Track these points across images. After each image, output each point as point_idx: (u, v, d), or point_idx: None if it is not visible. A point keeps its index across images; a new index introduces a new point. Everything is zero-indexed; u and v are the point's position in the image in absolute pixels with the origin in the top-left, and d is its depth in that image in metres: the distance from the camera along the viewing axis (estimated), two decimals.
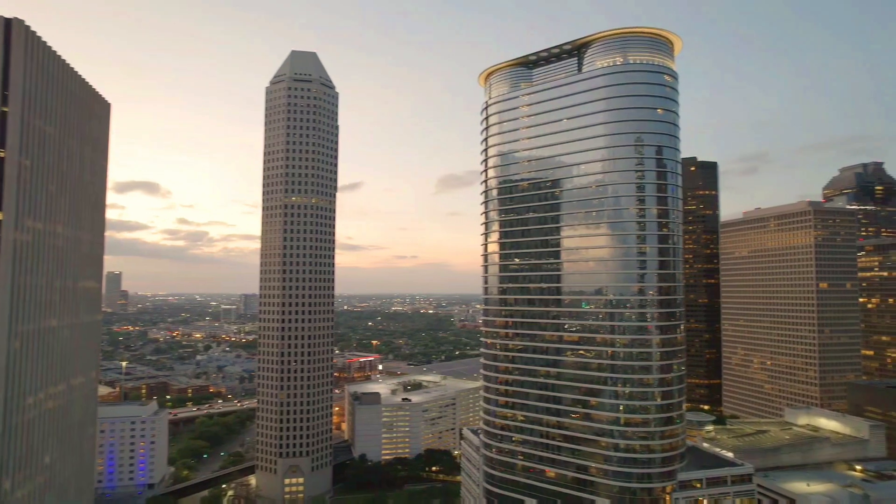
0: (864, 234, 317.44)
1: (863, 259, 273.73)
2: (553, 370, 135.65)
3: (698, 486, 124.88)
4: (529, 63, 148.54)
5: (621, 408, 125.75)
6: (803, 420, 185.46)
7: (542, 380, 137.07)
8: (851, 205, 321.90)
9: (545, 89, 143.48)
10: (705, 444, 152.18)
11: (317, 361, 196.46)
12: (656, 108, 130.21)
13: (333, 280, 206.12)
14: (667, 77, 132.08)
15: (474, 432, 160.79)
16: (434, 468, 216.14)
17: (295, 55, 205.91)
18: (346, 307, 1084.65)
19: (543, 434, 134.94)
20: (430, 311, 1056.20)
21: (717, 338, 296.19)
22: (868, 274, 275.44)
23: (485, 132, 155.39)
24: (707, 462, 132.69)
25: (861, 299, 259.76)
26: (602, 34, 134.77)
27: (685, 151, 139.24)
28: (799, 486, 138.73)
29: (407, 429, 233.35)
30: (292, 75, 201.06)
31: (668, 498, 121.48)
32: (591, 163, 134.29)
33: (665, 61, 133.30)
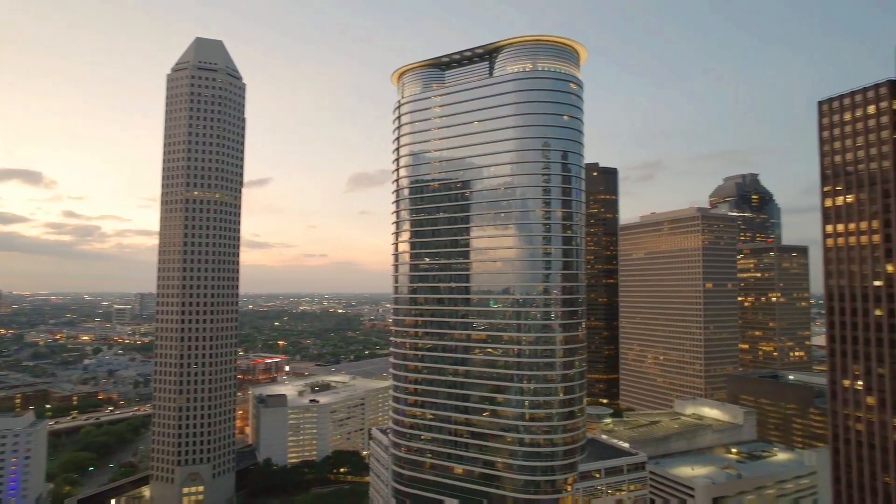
0: (742, 238, 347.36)
1: (741, 261, 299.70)
2: (461, 368, 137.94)
3: (597, 476, 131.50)
4: (442, 64, 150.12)
5: (526, 403, 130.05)
6: (690, 410, 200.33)
7: (450, 378, 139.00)
8: (733, 212, 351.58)
9: (457, 91, 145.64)
10: (604, 436, 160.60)
11: (219, 364, 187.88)
12: (562, 115, 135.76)
13: (238, 279, 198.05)
14: (573, 85, 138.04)
15: (383, 432, 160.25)
16: (342, 469, 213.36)
17: (200, 42, 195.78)
18: (251, 307, 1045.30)
19: (452, 432, 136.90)
20: (340, 311, 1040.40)
21: (616, 335, 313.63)
22: (745, 275, 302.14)
23: (397, 131, 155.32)
24: (605, 453, 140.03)
25: (739, 298, 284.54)
26: (512, 40, 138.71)
27: (588, 157, 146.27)
28: (685, 471, 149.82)
29: (314, 431, 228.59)
30: (196, 63, 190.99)
31: (569, 489, 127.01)
32: (500, 165, 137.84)
33: (571, 70, 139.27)
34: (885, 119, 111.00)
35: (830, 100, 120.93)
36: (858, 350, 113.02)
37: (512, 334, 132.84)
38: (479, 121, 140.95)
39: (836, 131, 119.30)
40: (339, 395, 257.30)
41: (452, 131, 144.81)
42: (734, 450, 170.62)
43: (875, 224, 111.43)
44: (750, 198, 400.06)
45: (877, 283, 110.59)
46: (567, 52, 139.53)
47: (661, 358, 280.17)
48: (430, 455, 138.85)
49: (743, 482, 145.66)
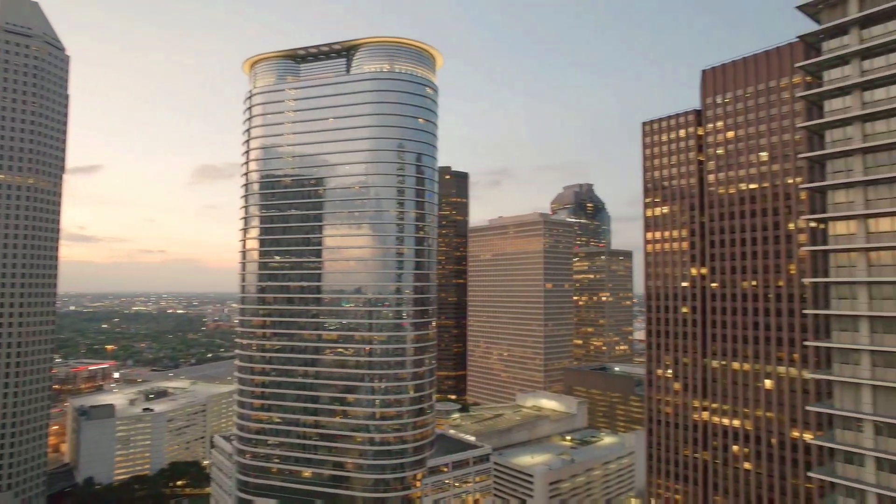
0: (578, 242, 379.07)
1: (577, 264, 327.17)
2: (311, 369, 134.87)
3: (445, 470, 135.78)
4: (298, 57, 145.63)
5: (377, 402, 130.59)
6: (531, 402, 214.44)
7: (300, 379, 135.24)
8: (571, 218, 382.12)
9: (313, 86, 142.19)
10: (452, 431, 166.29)
11: (29, 373, 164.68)
12: (418, 118, 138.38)
13: (56, 276, 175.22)
14: (428, 89, 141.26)
15: (227, 439, 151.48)
16: (180, 482, 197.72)
17: (8, 2, 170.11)
18: (73, 307, 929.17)
19: (300, 435, 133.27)
20: (180, 311, 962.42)
21: (464, 333, 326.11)
22: (580, 276, 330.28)
23: (248, 123, 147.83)
24: (453, 447, 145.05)
25: (575, 297, 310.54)
26: (370, 39, 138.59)
27: (441, 161, 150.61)
28: (525, 460, 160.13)
29: (148, 442, 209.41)
30: (4, 26, 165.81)
31: (418, 484, 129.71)
32: (354, 164, 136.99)
33: (428, 74, 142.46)
34: (691, 142, 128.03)
35: (651, 122, 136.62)
36: (669, 343, 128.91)
37: (364, 333, 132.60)
38: (334, 118, 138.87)
39: (656, 150, 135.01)
40: (177, 401, 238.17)
41: (307, 126, 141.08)
42: (568, 437, 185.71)
43: (684, 233, 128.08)
44: (586, 206, 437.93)
45: (684, 284, 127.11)
46: (424, 57, 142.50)
47: (506, 354, 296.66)
48: (277, 460, 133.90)
49: (575, 466, 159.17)
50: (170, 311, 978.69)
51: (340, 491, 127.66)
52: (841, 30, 60.78)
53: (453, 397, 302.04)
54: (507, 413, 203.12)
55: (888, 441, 56.46)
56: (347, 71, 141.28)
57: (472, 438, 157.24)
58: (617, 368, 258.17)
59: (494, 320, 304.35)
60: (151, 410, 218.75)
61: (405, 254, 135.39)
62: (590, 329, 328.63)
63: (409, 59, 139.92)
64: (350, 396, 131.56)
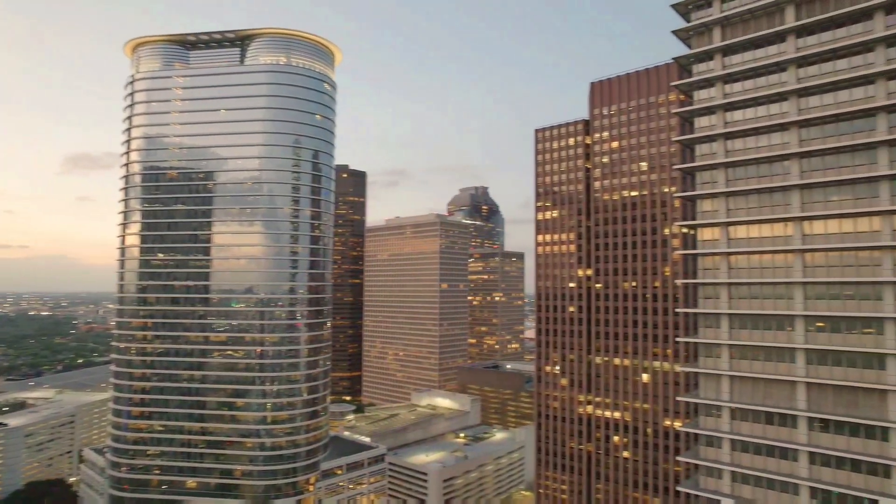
0: (473, 244, 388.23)
1: (471, 264, 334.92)
2: (198, 373, 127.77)
3: (339, 472, 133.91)
4: (188, 43, 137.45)
5: (269, 406, 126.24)
6: (426, 401, 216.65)
7: (185, 384, 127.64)
8: (466, 220, 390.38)
9: (203, 74, 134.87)
10: (346, 433, 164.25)
11: None
12: (315, 114, 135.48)
13: None
14: (327, 86, 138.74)
15: (99, 452, 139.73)
16: None
17: None
18: None
19: (185, 443, 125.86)
20: (45, 313, 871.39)
21: (360, 333, 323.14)
22: (474, 277, 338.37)
23: (129, 110, 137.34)
24: (347, 449, 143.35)
25: (469, 297, 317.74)
26: (267, 30, 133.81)
27: (339, 159, 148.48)
28: (420, 458, 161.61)
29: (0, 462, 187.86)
30: None
31: (311, 488, 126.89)
32: (248, 158, 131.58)
33: (326, 70, 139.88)
34: (580, 150, 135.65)
35: (544, 129, 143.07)
36: (557, 341, 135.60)
37: (255, 335, 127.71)
38: (226, 109, 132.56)
39: (548, 156, 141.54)
40: (38, 414, 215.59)
41: (196, 117, 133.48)
42: (462, 435, 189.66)
43: (571, 236, 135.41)
44: (481, 208, 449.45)
45: (571, 284, 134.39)
46: (322, 53, 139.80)
47: (401, 354, 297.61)
48: (157, 472, 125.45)
49: (468, 463, 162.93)
50: (32, 312, 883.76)
51: (229, 500, 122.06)
52: (707, 56, 67.31)
53: (348, 398, 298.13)
54: (402, 413, 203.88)
55: (741, 424, 63.26)
56: (241, 61, 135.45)
57: (366, 439, 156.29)
58: (508, 366, 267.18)
59: (390, 320, 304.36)
60: (5, 425, 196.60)
61: (300, 252, 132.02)
62: (483, 328, 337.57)
63: (307, 53, 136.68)
64: (240, 401, 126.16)
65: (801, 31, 61.09)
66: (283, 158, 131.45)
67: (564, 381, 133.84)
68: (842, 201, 58.67)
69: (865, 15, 57.28)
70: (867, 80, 57.28)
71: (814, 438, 58.70)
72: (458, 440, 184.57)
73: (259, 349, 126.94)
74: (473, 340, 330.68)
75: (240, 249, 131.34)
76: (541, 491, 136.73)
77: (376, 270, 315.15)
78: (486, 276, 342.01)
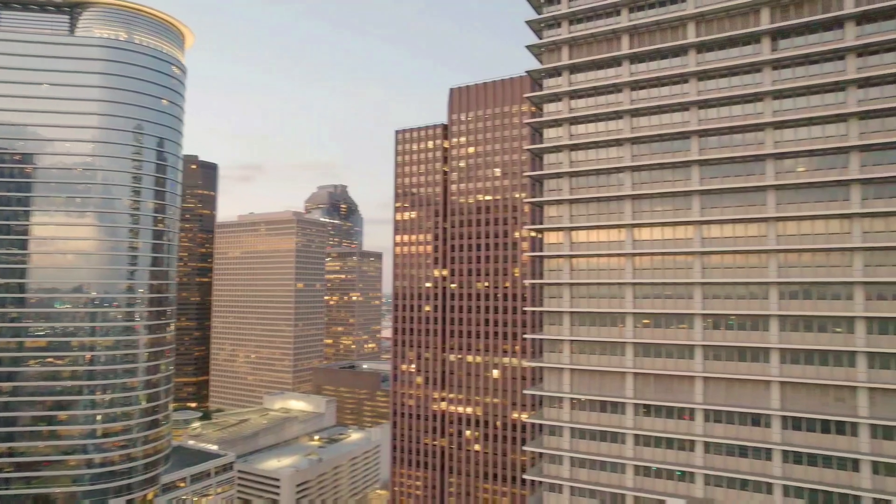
0: (331, 243, 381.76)
1: (329, 264, 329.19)
2: (7, 385, 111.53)
3: (182, 485, 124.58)
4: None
5: (99, 418, 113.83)
6: (279, 404, 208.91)
7: None
8: (324, 218, 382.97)
9: (21, 41, 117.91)
10: (191, 441, 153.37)
11: None
12: (161, 98, 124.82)
13: None
14: (175, 69, 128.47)
15: None
16: None
17: None
18: None
19: None
20: None
21: (208, 335, 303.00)
22: (332, 276, 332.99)
23: None
24: (192, 459, 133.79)
25: (326, 297, 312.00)
26: (102, 0, 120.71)
27: (188, 149, 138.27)
28: (272, 464, 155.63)
29: None
30: None
31: None
32: (77, 142, 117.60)
33: (175, 52, 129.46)
34: (438, 154, 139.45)
35: (404, 131, 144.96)
36: (413, 339, 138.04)
37: (84, 339, 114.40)
38: (50, 84, 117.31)
39: (408, 158, 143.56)
40: None
41: (10, 89, 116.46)
42: (317, 437, 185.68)
43: (428, 237, 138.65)
44: (339, 207, 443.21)
45: (427, 284, 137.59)
46: (171, 32, 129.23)
47: (253, 356, 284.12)
48: None
49: (323, 465, 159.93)
50: None
51: None
52: (556, 72, 72.73)
53: (194, 405, 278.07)
54: (253, 417, 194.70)
55: (579, 414, 69.19)
56: (71, 32, 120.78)
57: (214, 447, 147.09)
58: (365, 366, 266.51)
59: (242, 321, 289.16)
60: None
61: (140, 248, 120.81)
62: (340, 328, 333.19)
63: (153, 31, 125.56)
64: (62, 414, 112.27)
65: (634, 59, 68.28)
66: (122, 144, 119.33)
67: (420, 380, 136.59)
68: (664, 211, 66.50)
69: (682, 50, 65.49)
70: (683, 107, 65.53)
71: (638, 423, 65.85)
72: (313, 443, 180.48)
73: (89, 355, 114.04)
74: (330, 341, 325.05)
75: (66, 243, 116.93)
76: (396, 489, 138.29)
77: (227, 269, 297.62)
78: (343, 276, 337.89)
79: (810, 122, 60.04)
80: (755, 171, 62.15)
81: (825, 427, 57.89)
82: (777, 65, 61.59)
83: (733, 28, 63.19)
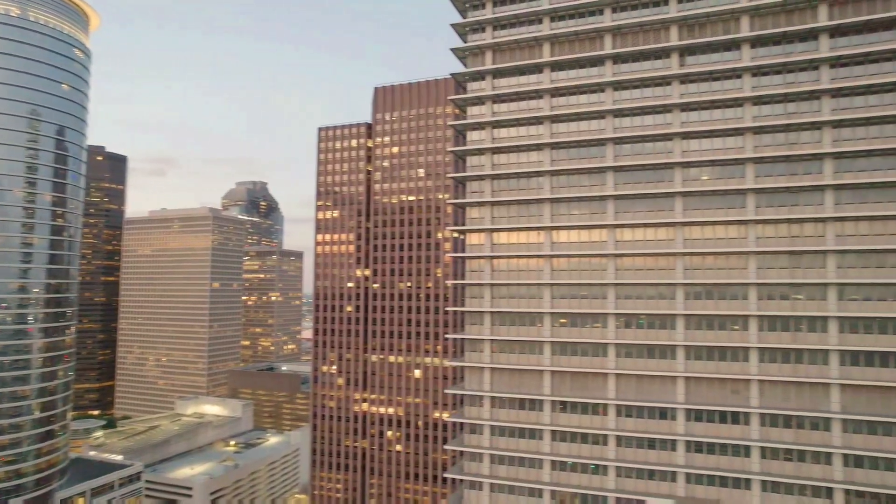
0: (249, 241, 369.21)
1: (247, 263, 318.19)
2: None
3: (82, 500, 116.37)
4: None
5: None
6: (192, 409, 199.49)
7: None
8: (243, 216, 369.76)
9: None
10: (92, 452, 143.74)
11: None
12: (61, 83, 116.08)
13: None
14: (78, 52, 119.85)
15: None
16: None
17: None
18: None
19: None
20: None
21: (114, 337, 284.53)
22: (250, 276, 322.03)
23: None
24: (93, 471, 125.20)
25: (244, 297, 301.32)
26: None
27: (93, 139, 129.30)
28: (184, 472, 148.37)
29: None
30: None
31: None
32: None
33: (78, 34, 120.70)
34: (362, 153, 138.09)
35: (328, 128, 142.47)
36: (335, 340, 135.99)
37: None
38: None
39: (330, 156, 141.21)
40: None
41: None
42: (233, 442, 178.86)
43: (351, 237, 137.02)
44: (259, 204, 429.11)
45: (350, 284, 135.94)
46: (73, 12, 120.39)
47: (164, 359, 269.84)
48: None
49: (239, 471, 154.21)
50: None
51: None
52: (480, 76, 73.84)
53: (96, 413, 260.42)
54: (163, 424, 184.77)
55: (499, 412, 70.56)
56: None
57: (118, 457, 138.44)
58: (284, 368, 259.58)
59: (152, 322, 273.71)
60: None
61: (35, 244, 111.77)
62: (258, 329, 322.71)
63: (52, 9, 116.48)
64: None
65: (555, 67, 70.46)
66: (14, 131, 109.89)
67: (341, 381, 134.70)
68: (581, 215, 69.06)
69: (600, 61, 68.30)
70: (600, 115, 68.35)
71: (555, 419, 68.00)
72: (229, 448, 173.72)
73: None
74: (247, 342, 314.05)
75: None
76: (316, 492, 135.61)
77: (136, 267, 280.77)
78: (262, 276, 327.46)
79: (713, 134, 64.24)
80: (665, 178, 65.77)
81: (723, 417, 62.10)
82: (685, 79, 65.45)
83: (646, 42, 66.57)
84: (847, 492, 57.40)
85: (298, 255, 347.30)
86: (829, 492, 57.93)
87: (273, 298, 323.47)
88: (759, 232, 62.35)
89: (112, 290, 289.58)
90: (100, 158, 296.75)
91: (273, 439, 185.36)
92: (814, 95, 61.00)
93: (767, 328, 61.34)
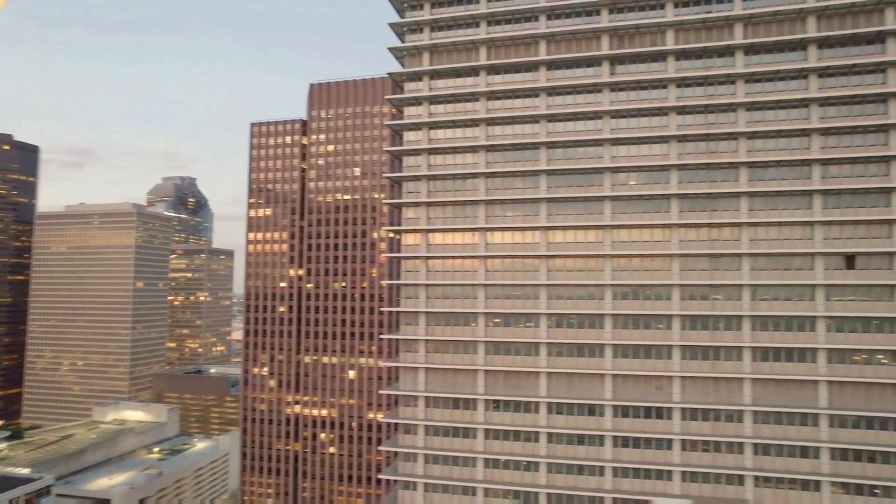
0: (177, 239, 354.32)
1: (174, 261, 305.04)
2: None
3: None
4: None
5: None
6: (111, 416, 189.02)
7: None
8: (169, 212, 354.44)
9: None
10: None
11: None
12: None
13: None
14: None
15: None
16: None
17: None
18: None
19: None
20: None
21: (22, 341, 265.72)
22: (177, 275, 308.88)
23: None
24: None
25: (170, 297, 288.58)
26: None
27: (1, 126, 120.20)
28: (102, 483, 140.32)
29: None
30: None
31: None
32: None
33: None
34: (297, 150, 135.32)
35: (261, 124, 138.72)
36: (266, 341, 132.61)
37: None
38: None
39: (263, 152, 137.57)
40: None
41: None
42: (156, 449, 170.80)
43: (284, 235, 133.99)
44: (187, 200, 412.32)
45: (282, 284, 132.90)
46: None
47: (81, 364, 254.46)
48: None
49: (163, 480, 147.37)
50: None
51: None
52: (417, 77, 73.94)
53: (1, 423, 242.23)
54: (79, 432, 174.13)
55: (434, 411, 70.92)
56: None
57: (24, 471, 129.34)
58: (213, 370, 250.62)
59: (67, 325, 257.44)
60: None
61: None
62: (185, 330, 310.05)
63: None
64: None
65: (491, 70, 71.50)
66: None
67: (273, 383, 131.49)
68: (515, 217, 70.43)
69: (534, 66, 69.91)
70: (534, 119, 69.94)
71: (488, 418, 69.03)
72: (152, 456, 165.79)
73: None
74: (173, 344, 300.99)
75: None
76: (245, 498, 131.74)
77: (50, 265, 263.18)
78: (190, 275, 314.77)
79: (640, 141, 67.05)
80: (595, 182, 68.08)
81: (647, 413, 64.95)
82: (615, 87, 67.98)
83: (579, 50, 68.67)
84: (756, 478, 61.36)
85: (229, 254, 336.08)
86: (740, 479, 61.72)
87: (201, 298, 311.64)
88: (682, 235, 65.58)
89: (21, 289, 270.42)
90: (7, 148, 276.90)
91: (200, 444, 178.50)
92: (731, 108, 64.82)
93: (689, 327, 64.63)
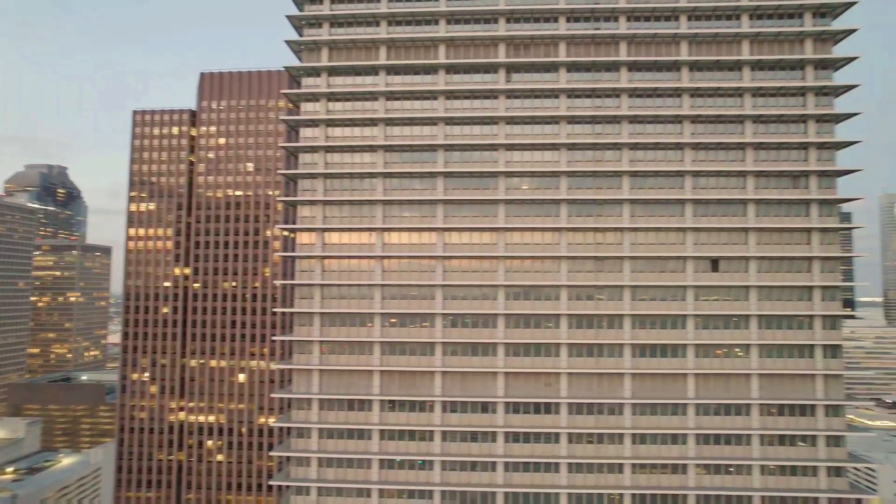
0: (42, 233, 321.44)
1: (39, 258, 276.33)
2: None
3: None
4: None
5: None
6: None
7: None
8: (34, 203, 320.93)
9: None
10: None
11: None
12: None
13: None
14: None
15: None
16: None
17: None
18: None
19: None
20: None
21: None
22: (42, 273, 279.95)
23: None
24: None
25: (33, 298, 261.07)
26: None
27: None
28: None
29: None
30: None
31: None
32: None
33: None
34: (185, 142, 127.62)
35: (144, 112, 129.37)
36: (148, 345, 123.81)
37: None
38: None
39: (147, 142, 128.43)
40: None
41: None
42: (10, 469, 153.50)
43: (169, 232, 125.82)
44: (56, 191, 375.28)
45: (167, 283, 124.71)
46: None
47: None
48: None
49: (19, 503, 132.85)
50: None
51: None
52: (315, 72, 72.29)
53: None
54: None
55: (328, 414, 69.62)
56: None
57: None
58: (84, 377, 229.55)
59: None
60: None
61: None
62: (51, 334, 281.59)
63: None
64: None
65: (391, 70, 71.42)
66: None
67: (154, 389, 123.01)
68: (412, 217, 70.78)
69: (434, 69, 70.71)
70: (432, 121, 70.75)
71: (384, 418, 68.81)
72: (5, 477, 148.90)
73: None
74: (36, 350, 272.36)
75: None
76: None
77: None
78: (58, 273, 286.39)
79: (533, 147, 69.83)
80: (490, 185, 70.01)
81: (537, 409, 67.73)
82: (510, 94, 70.30)
83: (477, 56, 70.37)
84: (633, 465, 65.92)
85: (106, 251, 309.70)
86: (619, 467, 66.02)
87: (72, 299, 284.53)
88: (570, 238, 69.05)
89: None
90: None
91: (67, 460, 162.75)
92: (616, 120, 69.24)
93: (575, 326, 68.17)
